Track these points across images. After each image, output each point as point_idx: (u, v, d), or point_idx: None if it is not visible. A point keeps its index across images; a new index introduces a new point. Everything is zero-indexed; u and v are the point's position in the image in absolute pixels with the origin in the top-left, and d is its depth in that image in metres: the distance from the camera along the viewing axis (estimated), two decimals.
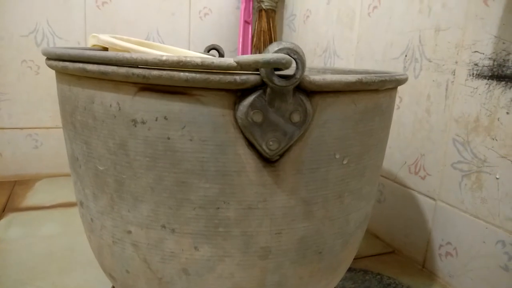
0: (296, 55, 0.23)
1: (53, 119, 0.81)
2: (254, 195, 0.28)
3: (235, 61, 0.23)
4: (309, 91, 0.26)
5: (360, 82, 0.27)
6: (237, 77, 0.24)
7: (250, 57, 0.22)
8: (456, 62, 0.49)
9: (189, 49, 0.80)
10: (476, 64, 0.46)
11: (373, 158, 0.33)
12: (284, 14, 0.90)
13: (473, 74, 0.47)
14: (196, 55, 0.46)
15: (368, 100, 0.29)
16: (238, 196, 0.27)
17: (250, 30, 0.87)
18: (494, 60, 0.44)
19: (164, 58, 0.24)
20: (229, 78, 0.24)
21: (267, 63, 0.22)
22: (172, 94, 0.25)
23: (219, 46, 0.56)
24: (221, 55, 0.57)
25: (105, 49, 0.42)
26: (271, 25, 0.85)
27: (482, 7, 0.45)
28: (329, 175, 0.29)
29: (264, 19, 0.85)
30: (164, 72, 0.24)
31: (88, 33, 0.79)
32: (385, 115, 0.32)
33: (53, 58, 0.30)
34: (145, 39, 0.75)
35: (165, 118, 0.26)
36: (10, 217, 0.64)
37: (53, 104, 0.80)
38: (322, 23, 0.77)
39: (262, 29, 0.84)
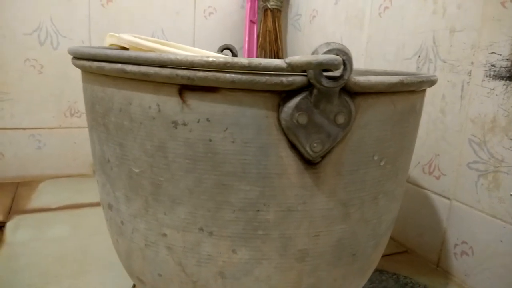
0: (345, 56, 0.23)
1: (56, 119, 0.79)
2: (294, 197, 0.27)
3: (286, 62, 0.22)
4: (352, 92, 0.26)
5: (401, 83, 0.27)
6: (284, 79, 0.24)
7: (302, 59, 0.22)
8: (472, 63, 0.49)
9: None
10: (493, 65, 0.47)
11: (406, 159, 0.33)
12: (289, 14, 0.90)
13: (490, 75, 0.47)
14: (215, 55, 0.46)
15: (406, 101, 0.29)
16: (278, 198, 0.27)
17: (255, 30, 0.86)
18: None
19: (210, 59, 0.23)
20: (275, 79, 0.24)
21: (320, 64, 0.22)
22: (216, 96, 0.25)
23: (232, 45, 0.55)
24: (234, 54, 0.57)
25: (124, 48, 0.41)
26: (277, 24, 0.85)
27: (499, 9, 0.46)
28: (367, 177, 0.29)
29: (270, 19, 0.84)
30: (210, 74, 0.24)
31: (92, 31, 0.78)
32: (418, 116, 0.32)
33: (85, 58, 0.29)
34: None
35: (208, 119, 0.25)
36: (16, 219, 0.63)
37: (56, 104, 0.78)
38: (329, 23, 0.77)
39: (267, 28, 0.84)
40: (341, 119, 0.25)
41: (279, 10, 0.85)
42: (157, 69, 0.25)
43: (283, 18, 0.89)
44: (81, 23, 0.77)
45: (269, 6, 0.84)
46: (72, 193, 0.74)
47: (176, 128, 0.26)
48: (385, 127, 0.28)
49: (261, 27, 0.86)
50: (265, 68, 0.24)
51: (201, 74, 0.24)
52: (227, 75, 0.24)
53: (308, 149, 0.26)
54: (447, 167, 0.53)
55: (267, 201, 0.27)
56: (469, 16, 0.49)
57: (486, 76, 0.48)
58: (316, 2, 0.80)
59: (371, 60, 0.66)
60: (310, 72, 0.24)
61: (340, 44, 0.23)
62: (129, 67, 0.26)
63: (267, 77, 0.24)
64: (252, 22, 0.86)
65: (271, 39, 0.84)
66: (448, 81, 0.52)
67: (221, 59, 0.23)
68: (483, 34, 0.48)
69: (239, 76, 0.24)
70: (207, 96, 0.25)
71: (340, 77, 0.24)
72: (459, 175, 0.52)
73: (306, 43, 0.84)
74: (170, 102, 0.26)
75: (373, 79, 0.26)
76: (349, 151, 0.27)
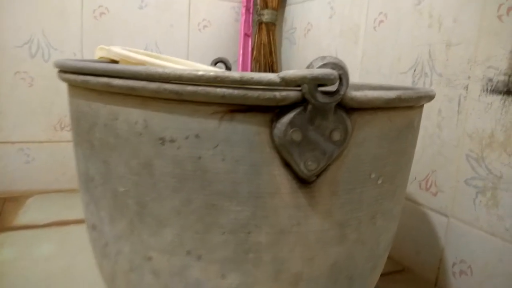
0: (341, 70, 0.22)
1: (46, 133, 0.77)
2: (287, 218, 0.26)
3: (279, 77, 0.21)
4: (348, 108, 0.25)
5: (399, 98, 0.26)
6: (277, 93, 0.23)
7: (296, 73, 0.21)
8: (469, 77, 0.49)
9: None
10: (490, 80, 0.46)
11: (404, 177, 0.31)
12: (283, 27, 0.90)
13: (487, 89, 0.46)
14: (206, 68, 0.45)
15: (404, 117, 0.28)
16: (270, 219, 0.26)
17: (250, 43, 0.86)
18: (509, 76, 0.44)
19: (200, 73, 0.22)
20: (268, 94, 0.23)
21: (315, 79, 0.21)
22: (206, 111, 0.24)
23: (226, 59, 0.54)
24: (228, 68, 0.56)
25: (115, 61, 0.40)
26: (271, 38, 0.84)
27: (496, 23, 0.45)
28: (364, 196, 0.28)
29: (264, 32, 0.84)
30: (200, 88, 0.23)
31: (84, 44, 0.77)
32: (415, 132, 0.31)
33: (70, 71, 0.28)
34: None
35: (197, 136, 0.24)
36: (2, 237, 0.60)
37: (46, 117, 0.77)
38: (324, 37, 0.76)
39: (262, 42, 0.84)
40: (336, 136, 0.24)
41: (273, 24, 0.85)
42: (144, 83, 0.24)
43: (278, 32, 0.88)
44: (73, 35, 0.76)
45: (264, 20, 0.84)
46: (60, 209, 0.72)
47: (163, 144, 0.25)
48: (383, 144, 0.27)
49: (256, 40, 0.85)
50: (258, 83, 0.22)
51: (190, 88, 0.23)
52: (218, 89, 0.23)
53: (302, 167, 0.24)
54: (444, 183, 0.52)
55: (259, 222, 0.25)
56: (465, 29, 0.49)
57: (483, 91, 0.47)
58: (311, 16, 0.80)
59: (366, 73, 0.65)
60: (305, 87, 0.22)
61: (336, 58, 0.22)
62: (115, 81, 0.25)
63: (260, 92, 0.23)
64: (246, 35, 0.85)
65: (266, 52, 0.83)
66: (444, 95, 0.52)
67: (211, 73, 0.22)
68: (480, 48, 0.47)
69: (230, 91, 0.23)
70: (196, 112, 0.24)
71: (336, 92, 0.23)
72: (457, 192, 0.51)
73: (300, 57, 0.84)
74: (157, 118, 0.24)
75: (370, 94, 0.25)
76: (345, 169, 0.26)
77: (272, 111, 0.24)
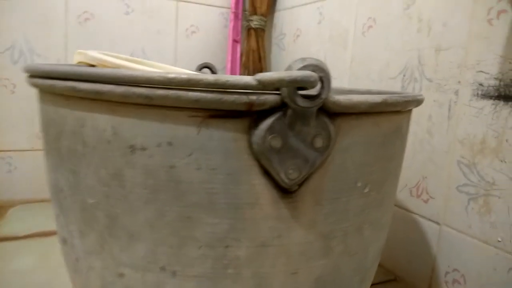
0: (322, 72, 0.21)
1: (28, 141, 0.75)
2: (268, 231, 0.24)
3: (256, 79, 0.20)
4: (331, 113, 0.23)
5: (385, 103, 0.25)
6: (255, 98, 0.21)
7: (273, 75, 0.20)
8: (459, 82, 0.48)
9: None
10: (481, 84, 0.45)
11: (392, 184, 0.30)
12: (272, 33, 0.89)
13: (477, 94, 0.45)
14: (190, 73, 0.43)
15: (391, 122, 0.27)
16: (250, 232, 0.24)
17: (238, 49, 0.85)
18: (500, 80, 0.43)
19: (171, 76, 0.21)
20: (245, 98, 0.21)
21: (293, 81, 0.19)
22: (178, 117, 0.22)
23: (211, 64, 0.53)
24: (213, 73, 0.54)
25: (92, 66, 0.38)
26: (260, 44, 0.83)
27: (486, 27, 0.44)
28: (350, 206, 0.26)
29: (253, 38, 0.83)
30: (171, 92, 0.21)
31: (69, 50, 0.75)
32: (404, 138, 0.30)
33: (37, 75, 0.26)
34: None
35: (169, 144, 0.22)
36: None
37: (29, 125, 0.75)
38: (313, 43, 0.75)
39: (251, 48, 0.82)
40: (319, 143, 0.23)
41: (262, 30, 0.84)
42: (111, 87, 0.22)
43: (267, 38, 0.87)
44: (57, 41, 0.74)
45: (253, 26, 0.83)
46: (43, 219, 0.69)
47: (133, 153, 0.23)
48: (369, 150, 0.26)
49: (245, 46, 0.84)
50: (234, 86, 0.21)
51: (160, 92, 0.21)
52: (190, 93, 0.21)
53: (283, 176, 0.23)
54: (436, 190, 0.51)
55: (238, 235, 0.24)
56: (455, 34, 0.48)
57: (474, 96, 0.46)
58: (300, 22, 0.79)
59: (356, 79, 0.64)
60: (284, 91, 0.21)
61: (316, 59, 0.21)
62: (81, 85, 0.23)
63: (236, 96, 0.21)
64: (235, 41, 0.84)
65: (255, 58, 0.82)
66: (434, 100, 0.51)
67: (183, 76, 0.21)
68: (470, 52, 0.46)
69: (204, 95, 0.21)
70: (168, 117, 0.22)
71: (317, 96, 0.21)
72: (448, 199, 0.49)
73: (290, 63, 0.82)
74: (126, 124, 0.23)
75: (355, 98, 0.23)
76: (329, 177, 0.25)
77: (250, 116, 0.22)
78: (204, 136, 0.22)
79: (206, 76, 0.21)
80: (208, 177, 0.23)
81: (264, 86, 0.20)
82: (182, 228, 0.24)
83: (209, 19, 0.85)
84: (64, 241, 0.30)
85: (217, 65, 0.86)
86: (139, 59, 0.45)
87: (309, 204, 0.24)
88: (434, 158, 0.51)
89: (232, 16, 0.83)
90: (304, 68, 0.20)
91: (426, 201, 0.52)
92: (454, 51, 0.48)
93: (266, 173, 0.23)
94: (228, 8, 0.85)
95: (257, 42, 0.83)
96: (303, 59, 0.21)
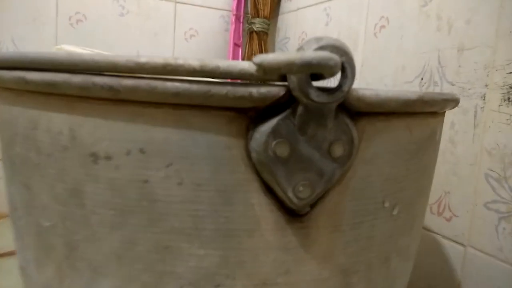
0: (345, 56, 0.15)
1: None
2: (272, 265, 0.19)
3: (256, 63, 0.14)
4: (354, 112, 0.18)
5: (421, 100, 0.19)
6: (254, 90, 0.16)
7: (279, 57, 0.14)
8: (486, 85, 0.42)
9: None
10: (511, 87, 0.40)
11: (424, 204, 0.24)
12: (276, 37, 0.84)
13: (508, 98, 0.40)
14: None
15: (425, 126, 0.21)
16: (248, 266, 0.18)
17: (240, 53, 0.80)
18: None
19: (143, 60, 0.15)
20: (241, 90, 0.16)
21: (307, 66, 0.14)
22: (154, 115, 0.17)
23: None
24: None
25: None
26: (263, 48, 0.78)
27: None
28: (375, 231, 0.21)
29: (256, 42, 0.78)
30: (143, 82, 0.16)
31: None
32: (437, 147, 0.25)
33: None
34: None
35: (142, 151, 0.17)
36: None
37: None
38: None
39: (253, 52, 0.78)
40: (339, 151, 0.17)
41: (265, 33, 0.79)
42: (66, 76, 0.17)
43: (270, 42, 0.83)
44: (47, 44, 0.69)
45: (255, 29, 0.78)
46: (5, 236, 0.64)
47: (96, 163, 0.18)
48: (399, 161, 0.20)
49: (246, 50, 0.79)
50: (226, 74, 0.16)
51: (129, 82, 0.16)
52: (169, 83, 0.16)
53: (291, 194, 0.17)
54: (460, 207, 0.45)
55: (232, 271, 0.18)
56: (480, 31, 0.43)
57: (504, 100, 0.40)
58: (306, 24, 0.74)
59: (367, 84, 0.59)
60: (293, 80, 0.16)
61: (336, 39, 0.16)
62: (30, 75, 0.18)
63: (229, 88, 0.16)
64: (236, 45, 0.80)
65: None
66: (458, 106, 0.45)
67: (159, 60, 0.15)
68: (498, 51, 0.41)
69: (186, 86, 0.16)
70: (140, 116, 0.17)
71: (338, 88, 0.16)
72: (475, 217, 0.43)
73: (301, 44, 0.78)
74: (87, 125, 0.18)
75: (384, 93, 0.18)
76: (350, 196, 0.19)
77: (248, 114, 0.17)
78: (187, 141, 0.17)
79: (189, 60, 0.15)
80: (192, 194, 0.17)
81: (265, 73, 0.15)
82: (159, 261, 0.18)
83: (209, 22, 0.80)
84: (22, 270, 0.24)
85: None
86: None
87: (324, 230, 0.19)
88: (458, 171, 0.45)
89: (233, 18, 0.79)
90: (320, 49, 0.15)
91: (448, 220, 0.46)
92: (479, 50, 0.43)
93: (269, 190, 0.18)
94: (229, 10, 0.80)
95: (260, 46, 0.78)
96: (319, 38, 0.15)
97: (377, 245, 0.21)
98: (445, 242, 0.47)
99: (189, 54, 0.79)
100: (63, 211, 0.19)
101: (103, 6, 0.72)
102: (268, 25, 0.79)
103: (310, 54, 0.14)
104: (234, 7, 0.79)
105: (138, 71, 0.16)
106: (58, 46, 0.35)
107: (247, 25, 0.80)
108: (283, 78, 0.16)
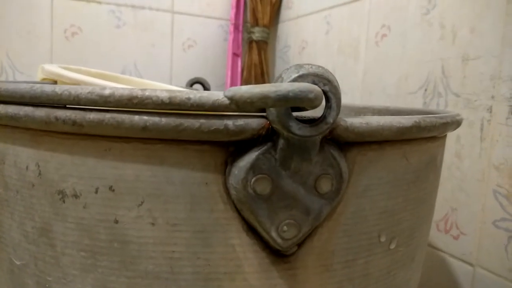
0: (328, 85, 0.14)
1: None
2: None
3: (226, 96, 0.13)
4: (343, 142, 0.16)
5: (417, 126, 0.18)
6: (230, 122, 0.14)
7: (253, 90, 0.13)
8: (493, 97, 0.40)
9: (170, 84, 0.71)
10: None
11: (425, 233, 0.23)
12: (276, 46, 0.83)
13: None
14: (169, 88, 0.37)
15: (424, 152, 0.20)
16: None
17: (239, 63, 0.79)
18: None
19: (107, 92, 0.14)
20: (216, 123, 0.14)
21: (283, 99, 0.12)
22: (123, 151, 0.15)
23: (203, 79, 0.47)
24: (206, 89, 0.48)
25: (56, 83, 0.32)
26: (263, 57, 0.77)
27: None
28: (371, 268, 0.19)
29: (255, 51, 0.77)
30: (108, 116, 0.14)
31: None
32: (438, 172, 0.23)
33: None
34: (121, 73, 0.66)
35: (111, 189, 0.16)
36: None
37: None
38: (320, 55, 0.69)
39: (252, 62, 0.76)
40: (326, 186, 0.16)
41: (265, 42, 0.78)
42: (28, 109, 0.15)
43: (270, 51, 0.81)
44: (42, 57, 0.69)
45: (255, 38, 0.77)
46: None
47: (63, 201, 0.16)
48: (396, 192, 0.19)
49: (246, 60, 0.78)
50: (198, 107, 0.14)
51: (93, 116, 0.15)
52: (136, 117, 0.14)
53: (274, 234, 0.16)
54: (467, 224, 0.43)
55: None
56: (485, 40, 0.41)
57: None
58: (306, 33, 0.73)
59: (369, 94, 0.57)
60: (272, 112, 0.14)
61: (318, 67, 0.14)
62: None
63: (203, 121, 0.14)
64: (235, 55, 0.78)
65: (257, 73, 0.76)
66: (463, 119, 0.43)
67: (124, 91, 0.14)
68: (504, 61, 0.39)
69: (155, 120, 0.14)
70: (109, 152, 0.16)
71: (322, 119, 0.14)
72: (483, 236, 0.41)
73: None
74: (53, 161, 0.16)
75: (375, 121, 0.16)
76: (341, 232, 0.17)
77: (225, 148, 0.15)
78: (159, 177, 0.15)
79: (157, 92, 0.14)
80: (167, 236, 0.16)
81: (239, 107, 0.13)
82: None
83: (207, 31, 0.79)
84: None
85: (216, 80, 0.80)
86: (116, 75, 0.39)
87: (314, 270, 0.17)
88: (465, 187, 0.43)
89: (232, 28, 0.78)
90: (300, 78, 0.14)
91: (456, 238, 0.44)
92: (485, 60, 0.41)
93: (251, 230, 0.16)
94: (228, 20, 0.79)
95: (260, 55, 0.77)
96: (299, 66, 0.14)
97: (373, 283, 0.19)
98: (452, 261, 0.45)
99: (187, 65, 0.78)
100: (34, 250, 0.18)
101: (99, 18, 0.71)
102: (268, 33, 0.78)
103: (286, 86, 0.12)
104: (233, 16, 0.78)
105: (102, 105, 0.14)
106: (43, 65, 0.34)
107: (246, 34, 0.79)
108: (262, 109, 0.14)
